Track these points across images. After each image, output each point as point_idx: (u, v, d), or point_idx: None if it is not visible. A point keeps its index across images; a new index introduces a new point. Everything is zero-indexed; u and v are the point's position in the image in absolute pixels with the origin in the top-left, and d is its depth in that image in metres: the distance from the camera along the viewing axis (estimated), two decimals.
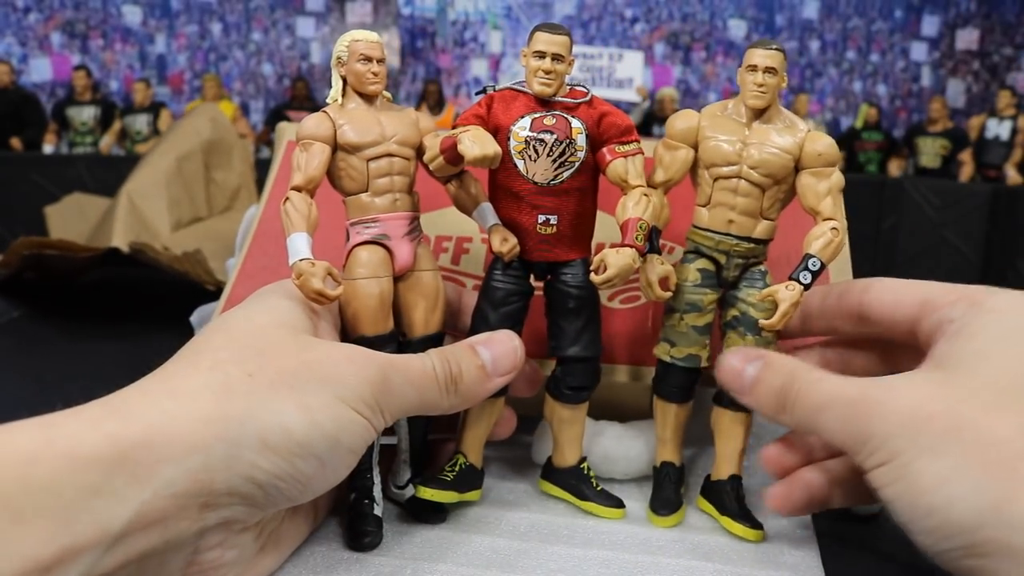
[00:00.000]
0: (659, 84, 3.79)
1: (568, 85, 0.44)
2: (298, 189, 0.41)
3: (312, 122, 0.42)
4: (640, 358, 0.51)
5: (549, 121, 0.42)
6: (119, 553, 0.29)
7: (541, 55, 0.42)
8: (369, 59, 0.43)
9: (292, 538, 0.40)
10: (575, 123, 0.42)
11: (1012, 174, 2.54)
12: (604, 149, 0.43)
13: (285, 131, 0.64)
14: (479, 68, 4.02)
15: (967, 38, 4.04)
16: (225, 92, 3.48)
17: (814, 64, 4.10)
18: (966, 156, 2.75)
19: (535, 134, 0.42)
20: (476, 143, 0.40)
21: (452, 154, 0.41)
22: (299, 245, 0.40)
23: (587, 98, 0.43)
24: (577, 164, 0.43)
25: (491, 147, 0.40)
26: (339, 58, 0.43)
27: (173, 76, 3.94)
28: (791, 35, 4.06)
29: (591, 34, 4.01)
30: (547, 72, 0.42)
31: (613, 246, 0.41)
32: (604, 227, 0.47)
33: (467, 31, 3.98)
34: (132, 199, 1.11)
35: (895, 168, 3.05)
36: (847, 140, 3.23)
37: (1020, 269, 1.60)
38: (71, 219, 1.34)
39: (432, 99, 3.49)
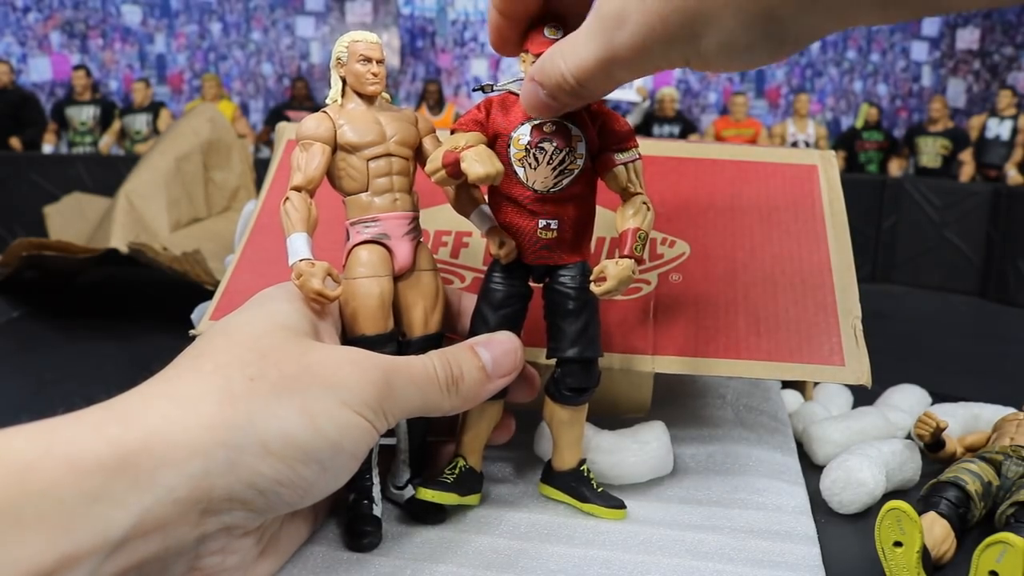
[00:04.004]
0: (659, 84, 3.79)
1: None
2: (298, 189, 0.41)
3: (312, 122, 0.42)
4: (636, 348, 0.51)
5: (549, 129, 0.42)
6: (119, 560, 0.29)
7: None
8: (368, 59, 0.43)
9: (292, 540, 0.40)
10: (575, 131, 0.42)
11: (1013, 174, 2.54)
12: (603, 156, 0.43)
13: (285, 131, 0.64)
14: (479, 68, 4.01)
15: (968, 38, 4.04)
16: (225, 92, 3.48)
17: (814, 64, 4.09)
18: (967, 156, 2.75)
19: (535, 142, 0.42)
20: (479, 162, 0.39)
21: (455, 169, 0.41)
22: (298, 245, 0.40)
23: None
24: (577, 172, 0.43)
25: (494, 166, 0.40)
26: (338, 59, 0.43)
27: (173, 76, 3.93)
28: None
29: None
30: None
31: (612, 256, 0.41)
32: (602, 221, 0.47)
33: (467, 31, 3.98)
34: (131, 199, 1.12)
35: (895, 168, 3.05)
36: (847, 140, 3.23)
37: (1020, 269, 1.59)
38: (70, 219, 1.34)
39: (432, 99, 3.49)
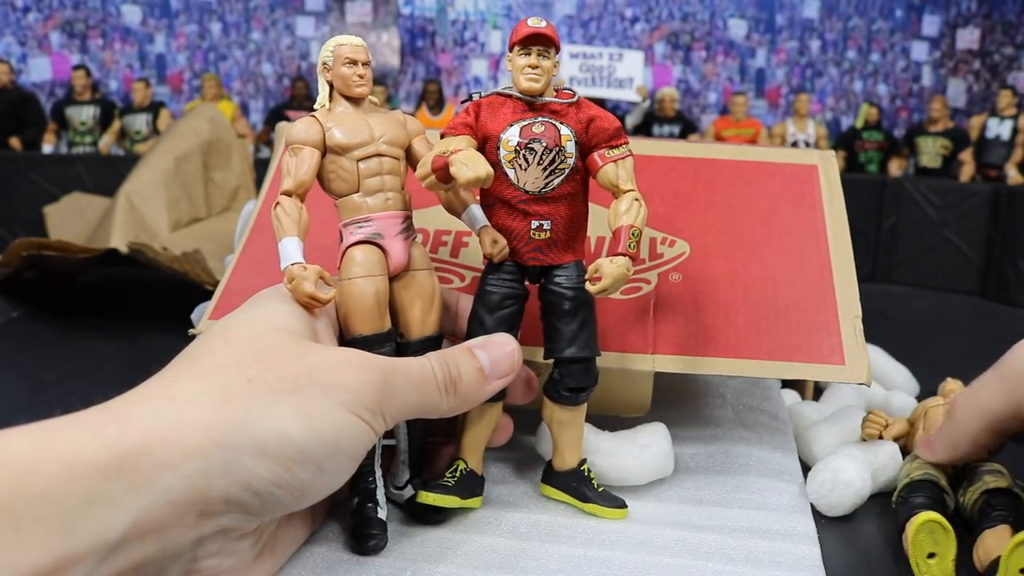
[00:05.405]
0: (659, 84, 3.78)
1: (554, 89, 0.44)
2: (288, 194, 0.41)
3: (301, 127, 0.42)
4: (636, 347, 0.51)
5: (538, 129, 0.42)
6: (116, 562, 0.29)
7: (527, 51, 0.42)
8: (354, 62, 0.43)
9: (290, 542, 0.40)
10: (564, 130, 0.42)
11: (1013, 174, 2.53)
12: (594, 154, 0.43)
13: (284, 131, 0.64)
14: (479, 68, 4.01)
15: (968, 37, 4.04)
16: (225, 92, 3.48)
17: (814, 64, 4.09)
18: (967, 156, 2.75)
19: (525, 142, 0.42)
20: (468, 166, 0.39)
21: (444, 174, 0.41)
22: (290, 249, 0.40)
23: (575, 99, 0.43)
24: (567, 171, 0.43)
25: (483, 169, 0.40)
26: (324, 63, 0.43)
27: (172, 76, 3.93)
28: (791, 35, 4.06)
29: (591, 34, 4.01)
30: (533, 67, 0.42)
31: (608, 255, 0.41)
32: (596, 220, 0.47)
33: (467, 31, 3.97)
34: (131, 199, 1.11)
35: (895, 168, 3.04)
36: (847, 140, 3.22)
37: (1021, 269, 1.59)
38: (70, 219, 1.34)
39: (432, 99, 3.48)
